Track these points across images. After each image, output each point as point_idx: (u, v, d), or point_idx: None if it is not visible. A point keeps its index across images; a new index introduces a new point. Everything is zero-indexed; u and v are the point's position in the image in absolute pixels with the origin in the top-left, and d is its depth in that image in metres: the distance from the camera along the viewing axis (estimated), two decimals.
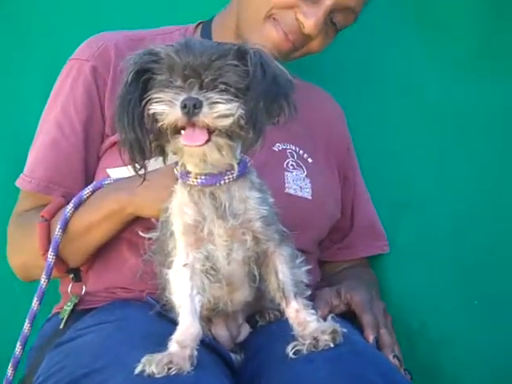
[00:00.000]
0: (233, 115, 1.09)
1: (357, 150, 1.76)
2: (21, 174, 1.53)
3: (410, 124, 1.82)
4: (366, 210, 1.73)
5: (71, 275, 1.48)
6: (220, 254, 1.21)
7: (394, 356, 1.35)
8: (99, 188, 1.41)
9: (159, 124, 1.11)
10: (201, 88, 1.10)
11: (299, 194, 1.51)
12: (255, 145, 1.12)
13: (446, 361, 1.74)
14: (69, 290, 1.48)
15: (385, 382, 1.16)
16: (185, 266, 1.20)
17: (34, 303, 1.39)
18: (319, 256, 1.66)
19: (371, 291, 1.49)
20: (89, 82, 1.51)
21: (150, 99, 1.11)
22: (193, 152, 1.12)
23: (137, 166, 1.17)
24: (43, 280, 1.39)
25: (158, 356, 1.12)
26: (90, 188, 1.41)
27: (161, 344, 1.15)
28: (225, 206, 1.20)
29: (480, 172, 1.78)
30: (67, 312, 1.44)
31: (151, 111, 1.11)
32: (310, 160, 1.58)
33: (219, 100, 1.09)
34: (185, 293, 1.20)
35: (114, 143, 1.48)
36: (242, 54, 1.13)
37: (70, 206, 1.40)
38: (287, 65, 1.66)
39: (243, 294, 1.28)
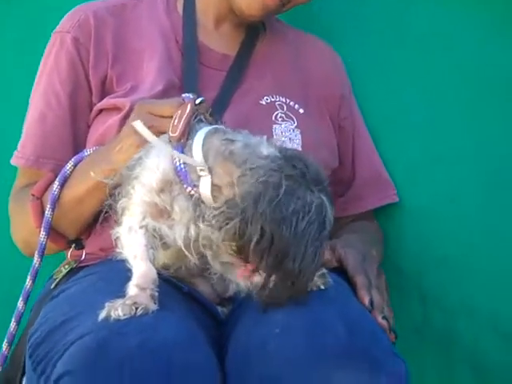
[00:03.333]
0: None
1: (363, 108, 1.70)
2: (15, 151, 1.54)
3: (420, 77, 1.73)
4: (369, 159, 1.68)
5: (73, 245, 1.48)
6: (177, 234, 1.19)
7: (383, 317, 1.30)
8: (81, 161, 1.40)
9: None
10: None
11: (288, 145, 1.47)
12: None
13: (462, 329, 1.67)
14: (68, 256, 1.49)
15: (347, 331, 1.11)
16: (141, 227, 1.19)
17: (28, 282, 1.39)
18: None
19: (368, 249, 1.45)
20: (71, 53, 1.51)
21: None
22: None
23: None
24: (36, 259, 1.39)
25: (119, 300, 1.12)
26: (71, 162, 1.40)
27: None
28: None
29: (501, 126, 1.67)
30: (62, 274, 1.45)
31: None
32: (301, 111, 1.56)
33: None
34: (140, 244, 1.18)
35: (101, 110, 1.48)
36: None
37: (56, 184, 1.39)
38: (284, 16, 1.61)
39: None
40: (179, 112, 1.20)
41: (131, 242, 1.19)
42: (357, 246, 1.43)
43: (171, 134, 1.20)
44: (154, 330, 1.09)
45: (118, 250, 1.21)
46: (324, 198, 1.14)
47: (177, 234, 1.19)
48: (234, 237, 1.11)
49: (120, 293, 1.15)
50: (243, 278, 1.19)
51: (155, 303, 1.14)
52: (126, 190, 1.21)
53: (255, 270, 1.13)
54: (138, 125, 1.22)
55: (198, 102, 1.22)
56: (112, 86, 1.49)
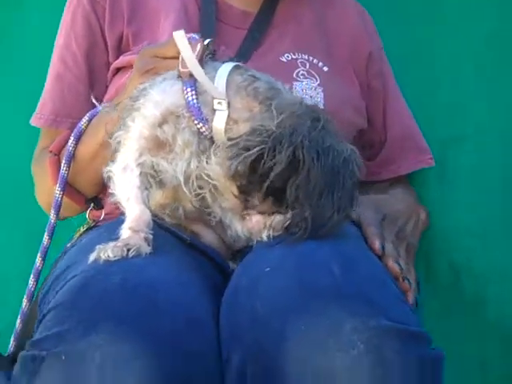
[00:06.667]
0: None
1: (399, 78, 1.64)
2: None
3: (457, 47, 1.68)
4: (401, 121, 1.61)
5: (91, 204, 1.47)
6: (178, 168, 1.15)
7: (396, 262, 1.21)
8: (95, 115, 1.37)
9: None
10: None
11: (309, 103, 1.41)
12: None
13: (491, 296, 1.61)
14: (87, 215, 1.47)
15: (343, 270, 1.03)
16: (137, 165, 1.15)
17: (45, 238, 1.37)
18: None
19: (392, 210, 1.37)
20: (87, 11, 1.49)
21: None
22: None
23: None
24: (52, 215, 1.37)
25: (111, 243, 1.09)
26: (86, 117, 1.37)
27: None
28: None
29: None
30: (80, 233, 1.44)
31: None
32: (325, 69, 1.50)
33: None
34: (133, 185, 1.14)
35: (118, 70, 1.46)
36: None
37: (71, 140, 1.37)
38: None
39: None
40: (188, 49, 1.15)
41: (124, 182, 1.15)
42: (379, 204, 1.36)
43: (182, 69, 1.15)
44: (139, 269, 1.06)
45: (109, 191, 1.17)
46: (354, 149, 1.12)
47: (178, 167, 1.14)
48: (244, 169, 1.07)
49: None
50: (257, 229, 1.13)
51: (149, 245, 1.10)
52: (124, 122, 1.17)
53: (266, 212, 1.09)
54: (179, 34, 1.15)
55: (206, 42, 1.18)
56: (128, 45, 1.47)
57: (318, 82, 1.46)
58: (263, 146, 1.07)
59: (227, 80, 1.14)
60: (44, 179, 1.45)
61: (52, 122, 1.49)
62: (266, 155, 1.07)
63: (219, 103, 1.13)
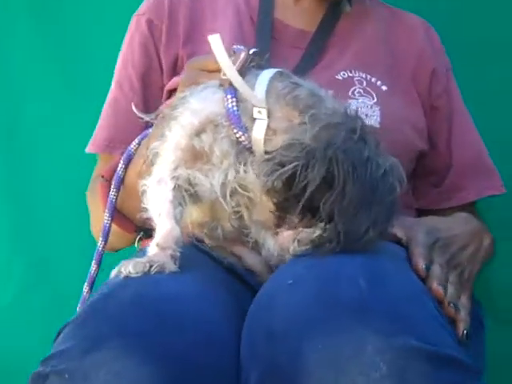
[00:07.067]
0: None
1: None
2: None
3: None
4: (468, 144, 1.51)
5: (141, 233, 1.42)
6: (214, 180, 1.10)
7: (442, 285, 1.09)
8: (145, 138, 1.34)
9: None
10: None
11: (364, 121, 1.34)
12: None
13: None
14: (136, 244, 1.43)
15: (369, 285, 0.93)
16: (172, 178, 1.10)
17: (92, 267, 1.34)
18: (417, 204, 1.49)
19: (449, 235, 1.23)
20: (145, 35, 1.49)
21: None
22: None
23: None
24: (100, 242, 1.34)
25: (135, 259, 1.05)
26: (136, 141, 1.34)
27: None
28: None
29: None
30: None
31: None
32: (384, 88, 1.44)
33: None
34: (166, 199, 1.10)
35: (171, 92, 1.41)
36: None
37: (120, 164, 1.34)
38: None
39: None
40: (223, 52, 1.11)
41: (157, 196, 1.11)
42: (433, 228, 1.23)
43: (223, 77, 1.12)
44: (156, 283, 1.01)
45: (142, 206, 1.14)
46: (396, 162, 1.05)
47: (215, 179, 1.10)
48: (280, 186, 1.02)
49: None
50: (286, 244, 1.07)
51: (175, 264, 1.05)
52: (161, 131, 1.13)
53: (300, 226, 1.03)
54: (214, 39, 1.12)
55: (251, 52, 1.14)
56: (183, 67, 1.42)
57: (375, 100, 1.41)
58: (297, 163, 1.01)
59: (267, 87, 1.10)
60: (96, 207, 1.42)
61: (105, 148, 1.48)
62: (299, 172, 1.01)
63: (259, 112, 1.08)
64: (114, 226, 1.34)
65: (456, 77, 1.55)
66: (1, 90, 1.90)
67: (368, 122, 1.36)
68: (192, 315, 0.99)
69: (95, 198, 1.42)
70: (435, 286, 1.08)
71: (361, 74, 1.44)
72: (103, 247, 1.34)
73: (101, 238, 1.33)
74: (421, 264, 1.10)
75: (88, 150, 1.52)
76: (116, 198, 1.33)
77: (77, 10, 1.87)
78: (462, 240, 1.25)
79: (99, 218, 1.39)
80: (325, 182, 1.01)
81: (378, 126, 1.38)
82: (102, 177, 1.39)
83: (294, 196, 1.02)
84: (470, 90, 1.57)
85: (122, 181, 1.34)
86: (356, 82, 1.42)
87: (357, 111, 1.09)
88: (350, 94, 1.40)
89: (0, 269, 1.92)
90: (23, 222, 1.93)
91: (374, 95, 1.41)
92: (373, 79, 1.44)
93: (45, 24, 1.88)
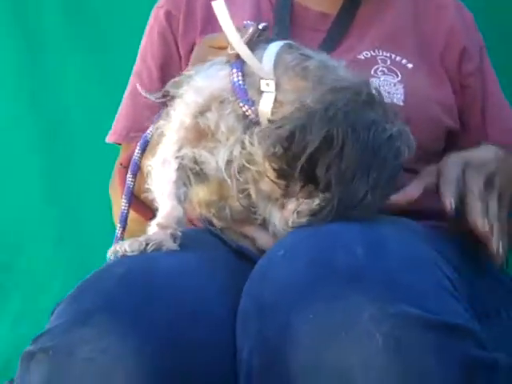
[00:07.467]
0: None
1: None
2: None
3: None
4: (503, 122, 1.45)
5: None
6: (220, 157, 1.06)
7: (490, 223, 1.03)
8: None
9: None
10: None
11: (387, 100, 1.27)
12: None
13: None
14: None
15: (367, 252, 0.87)
16: (176, 158, 1.08)
17: None
18: None
19: (480, 160, 1.18)
20: (163, 27, 1.48)
21: None
22: None
23: None
24: (118, 228, 1.31)
25: (134, 238, 1.03)
26: (152, 127, 1.31)
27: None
28: None
29: None
30: None
31: None
32: (409, 65, 1.39)
33: None
34: (169, 180, 1.07)
35: None
36: None
37: (136, 150, 1.31)
38: None
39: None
40: (227, 18, 1.08)
41: (161, 177, 1.09)
42: (458, 156, 1.19)
43: (230, 52, 1.09)
44: (150, 260, 0.99)
45: (147, 186, 1.12)
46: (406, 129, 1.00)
47: (220, 156, 1.06)
48: (282, 152, 0.97)
49: None
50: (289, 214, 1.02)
51: (175, 242, 1.02)
52: (166, 110, 1.12)
53: (302, 196, 0.99)
54: (218, 4, 1.09)
55: (261, 26, 1.11)
56: None
57: (399, 78, 1.36)
58: (296, 124, 0.97)
59: (275, 59, 1.06)
60: (117, 196, 1.41)
61: (124, 138, 1.48)
62: (298, 133, 0.96)
63: (267, 84, 1.05)
64: (133, 213, 1.32)
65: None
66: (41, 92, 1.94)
67: (391, 100, 1.32)
68: (183, 288, 0.95)
69: (115, 188, 1.42)
70: (481, 222, 1.05)
71: (385, 53, 1.39)
72: (121, 233, 1.31)
73: (118, 225, 1.30)
74: (447, 201, 1.06)
75: (108, 139, 1.52)
76: (133, 184, 1.30)
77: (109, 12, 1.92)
78: (493, 162, 1.19)
79: (120, 206, 1.37)
80: (325, 143, 0.96)
81: (401, 103, 1.33)
82: (121, 164, 1.38)
83: (294, 159, 0.98)
84: (504, 72, 1.51)
85: (138, 167, 1.31)
86: (379, 61, 1.38)
87: (370, 83, 1.04)
88: (372, 72, 1.36)
89: (44, 270, 1.95)
90: (67, 223, 1.97)
91: (399, 73, 1.36)
92: (397, 58, 1.39)
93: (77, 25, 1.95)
